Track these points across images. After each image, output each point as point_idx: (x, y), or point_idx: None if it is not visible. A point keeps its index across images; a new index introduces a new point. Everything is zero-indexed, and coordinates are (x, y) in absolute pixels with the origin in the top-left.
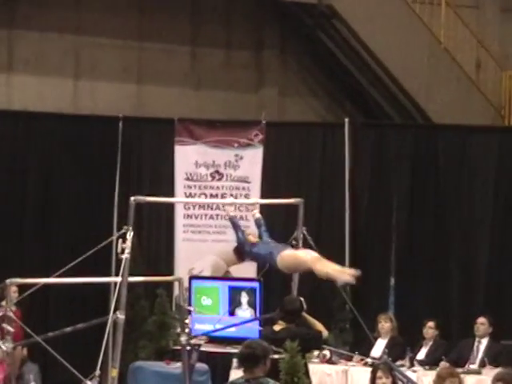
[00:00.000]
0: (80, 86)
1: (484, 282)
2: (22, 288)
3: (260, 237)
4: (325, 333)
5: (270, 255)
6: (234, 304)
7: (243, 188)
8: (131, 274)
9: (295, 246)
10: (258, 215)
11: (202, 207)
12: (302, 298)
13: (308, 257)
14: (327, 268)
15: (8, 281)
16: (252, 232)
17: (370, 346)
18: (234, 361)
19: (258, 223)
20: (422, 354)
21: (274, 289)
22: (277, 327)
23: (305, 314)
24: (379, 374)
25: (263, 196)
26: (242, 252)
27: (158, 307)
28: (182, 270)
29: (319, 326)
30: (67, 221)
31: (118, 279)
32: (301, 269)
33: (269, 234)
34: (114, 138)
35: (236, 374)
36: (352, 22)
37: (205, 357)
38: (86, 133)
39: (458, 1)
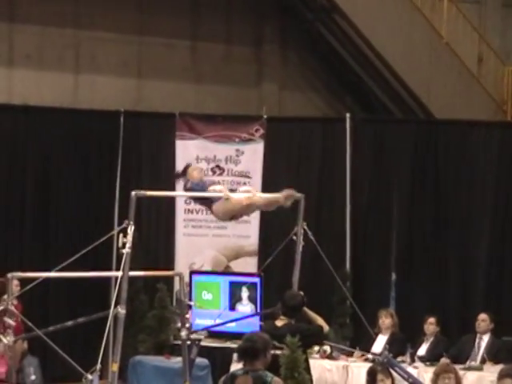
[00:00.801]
0: (80, 80)
1: (485, 278)
2: (23, 282)
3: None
4: (326, 328)
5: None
6: (234, 299)
7: (244, 183)
8: (132, 269)
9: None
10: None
11: None
12: (302, 293)
13: (245, 196)
14: (267, 198)
15: (9, 275)
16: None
17: (371, 341)
18: (235, 355)
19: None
20: (422, 350)
21: (274, 283)
22: (278, 322)
23: (306, 309)
24: (380, 376)
25: (264, 191)
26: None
27: (159, 302)
28: (182, 264)
29: (320, 321)
30: (68, 215)
31: (119, 273)
32: (236, 213)
33: None
34: (114, 133)
35: (236, 368)
36: (353, 16)
37: (205, 351)
38: (87, 127)
39: None
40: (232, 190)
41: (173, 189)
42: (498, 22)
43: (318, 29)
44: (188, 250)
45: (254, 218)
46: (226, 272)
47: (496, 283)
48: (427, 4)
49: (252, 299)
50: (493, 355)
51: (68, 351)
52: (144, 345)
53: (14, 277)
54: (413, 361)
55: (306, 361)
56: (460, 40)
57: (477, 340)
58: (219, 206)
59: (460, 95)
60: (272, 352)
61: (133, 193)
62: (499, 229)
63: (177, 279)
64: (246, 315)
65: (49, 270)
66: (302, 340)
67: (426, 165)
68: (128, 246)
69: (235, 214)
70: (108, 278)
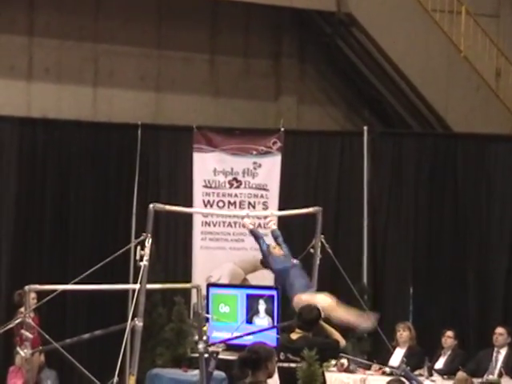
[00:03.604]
0: (99, 93)
1: (502, 291)
2: (40, 295)
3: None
4: (342, 342)
5: (291, 287)
6: (251, 312)
7: (261, 196)
8: (149, 282)
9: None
10: (273, 227)
11: (220, 215)
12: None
13: (325, 304)
14: (345, 316)
15: (27, 287)
16: (277, 245)
17: (388, 354)
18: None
19: (274, 235)
20: (440, 364)
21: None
22: (294, 336)
23: (322, 323)
24: None
25: (281, 204)
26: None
27: (176, 315)
28: (199, 277)
29: (336, 335)
30: (86, 228)
31: (137, 286)
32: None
33: (287, 245)
34: (132, 146)
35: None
36: (371, 31)
37: (222, 364)
38: (105, 140)
39: (478, 9)
40: (250, 204)
41: (190, 201)
42: None
43: (336, 42)
44: (205, 262)
45: None
46: (244, 285)
47: None
48: (445, 18)
49: (269, 312)
50: (510, 369)
51: (85, 364)
52: (162, 358)
53: (32, 289)
54: (430, 374)
55: (322, 374)
56: (478, 54)
57: (494, 354)
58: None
59: (478, 109)
60: (286, 365)
61: (151, 206)
62: None
63: (194, 292)
64: (263, 328)
65: (67, 282)
66: (317, 353)
67: (444, 178)
68: (145, 258)
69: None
70: (126, 291)
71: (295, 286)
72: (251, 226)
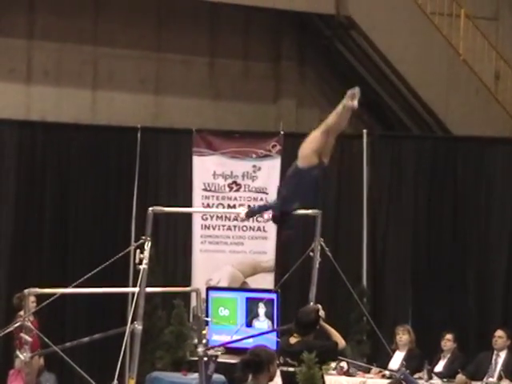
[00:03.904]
0: (98, 96)
1: (502, 294)
2: (39, 298)
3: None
4: (342, 344)
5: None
6: (251, 315)
7: (261, 199)
8: (148, 285)
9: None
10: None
11: (220, 218)
12: (319, 306)
13: (315, 132)
14: (331, 117)
15: (26, 291)
16: None
17: (388, 358)
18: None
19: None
20: (439, 367)
21: (291, 300)
22: (292, 339)
23: (323, 324)
24: None
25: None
26: (279, 215)
27: (176, 318)
28: (199, 280)
29: (337, 337)
30: (85, 231)
31: (136, 290)
32: (319, 147)
33: None
34: (131, 149)
35: None
36: (370, 34)
37: (222, 368)
38: (104, 143)
39: (477, 12)
40: (249, 207)
41: (190, 204)
42: None
43: (336, 45)
44: (205, 266)
45: (271, 233)
46: (243, 288)
47: None
48: (444, 21)
49: (269, 315)
50: (510, 372)
51: (85, 367)
52: (161, 361)
53: (31, 293)
54: (430, 377)
55: (322, 377)
56: (477, 57)
57: (494, 357)
58: (302, 159)
59: (477, 112)
60: (285, 369)
61: (150, 209)
62: None
63: (194, 295)
64: (262, 331)
65: (66, 285)
66: (316, 356)
67: (444, 181)
68: (145, 262)
69: (321, 150)
70: (125, 294)
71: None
72: (245, 210)
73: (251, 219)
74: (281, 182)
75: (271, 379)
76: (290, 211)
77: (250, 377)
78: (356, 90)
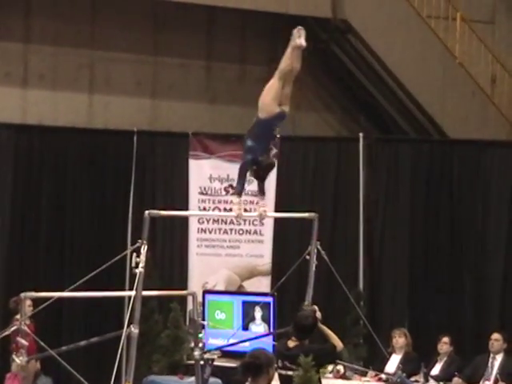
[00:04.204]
0: (94, 99)
1: (499, 297)
2: (36, 302)
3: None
4: (339, 346)
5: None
6: (247, 318)
7: (257, 202)
8: (145, 288)
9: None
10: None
11: (216, 221)
12: (315, 307)
13: (272, 81)
14: (282, 61)
15: (22, 295)
16: None
17: (385, 361)
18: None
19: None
20: (436, 370)
21: (287, 303)
22: (291, 343)
23: (321, 326)
24: None
25: (277, 210)
26: (258, 170)
27: (172, 321)
28: (195, 284)
29: (334, 339)
30: (81, 234)
31: (132, 293)
32: (277, 93)
33: None
34: (128, 152)
35: None
36: (367, 37)
37: (218, 371)
38: (101, 147)
39: (473, 16)
40: (245, 210)
41: (186, 208)
42: (511, 42)
43: (332, 49)
44: (201, 269)
45: (268, 237)
46: (240, 292)
47: (510, 303)
48: (441, 24)
49: (265, 319)
50: (506, 375)
51: (81, 371)
52: (158, 364)
53: (27, 297)
54: (426, 380)
55: (319, 381)
56: (473, 60)
57: (490, 360)
58: (262, 110)
59: (474, 115)
60: (284, 372)
61: (146, 212)
62: None
63: (190, 299)
64: (259, 335)
65: (62, 289)
66: (314, 360)
67: (441, 184)
68: (141, 265)
69: (280, 98)
70: (122, 298)
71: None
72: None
73: (247, 222)
74: (245, 136)
75: (269, 382)
76: (262, 159)
77: (250, 380)
78: (301, 28)
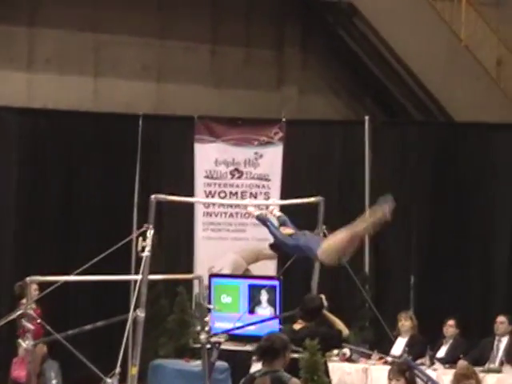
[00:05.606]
0: (100, 83)
1: (505, 280)
2: (42, 286)
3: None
4: (345, 331)
5: (309, 250)
6: (253, 302)
7: (263, 186)
8: (151, 272)
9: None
10: (278, 213)
11: (222, 205)
12: (322, 296)
13: (344, 234)
14: (362, 225)
15: (28, 279)
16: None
17: (391, 344)
18: (254, 357)
19: (281, 221)
20: (442, 353)
21: (293, 287)
22: (297, 326)
23: (326, 312)
24: (390, 375)
25: (283, 194)
26: (278, 246)
27: (178, 305)
28: (201, 268)
29: (340, 325)
30: (88, 219)
31: (139, 277)
32: (343, 250)
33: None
34: (134, 136)
35: (255, 368)
36: (373, 20)
37: (224, 355)
38: (106, 130)
39: None
40: (251, 194)
41: (192, 191)
42: None
43: (339, 32)
44: (207, 253)
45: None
46: (246, 275)
47: None
48: (446, 7)
49: (271, 302)
50: (511, 357)
51: (88, 355)
52: (164, 348)
53: (33, 281)
54: (432, 363)
55: (325, 364)
56: (479, 43)
57: (495, 342)
58: (324, 254)
59: (479, 98)
60: (290, 355)
61: (152, 196)
62: None
63: (196, 283)
64: (265, 318)
65: (68, 273)
66: (320, 343)
67: (447, 167)
68: (147, 249)
69: (343, 252)
70: (128, 282)
71: (312, 245)
72: (257, 212)
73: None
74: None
75: (285, 365)
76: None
77: (265, 363)
78: (390, 200)
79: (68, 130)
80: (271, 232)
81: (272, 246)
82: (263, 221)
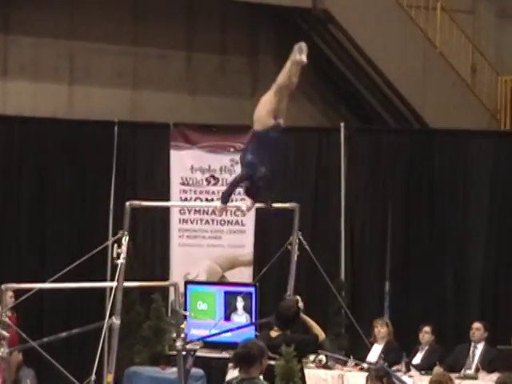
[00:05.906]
0: (75, 90)
1: (479, 286)
2: (17, 293)
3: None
4: (322, 336)
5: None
6: (229, 309)
7: (239, 193)
8: (126, 279)
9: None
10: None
11: (198, 212)
12: (298, 297)
13: (267, 93)
14: (281, 75)
15: (3, 286)
16: None
17: (366, 351)
18: (230, 364)
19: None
20: (417, 359)
21: (269, 293)
22: (273, 333)
23: (303, 316)
24: (368, 381)
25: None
26: (252, 187)
27: (154, 312)
28: (177, 274)
29: (317, 329)
30: (62, 226)
31: (114, 284)
32: (274, 108)
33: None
34: (109, 143)
35: (232, 375)
36: (347, 27)
37: (200, 362)
38: (81, 138)
39: (453, 6)
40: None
41: (167, 198)
42: (491, 32)
43: (313, 39)
44: (183, 260)
45: (249, 227)
46: (221, 282)
47: (490, 291)
48: (421, 14)
49: (247, 309)
50: (487, 364)
51: (63, 362)
52: (140, 355)
53: (8, 288)
54: (408, 370)
55: (301, 370)
56: (454, 50)
57: (471, 349)
58: (258, 122)
59: (454, 105)
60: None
61: (127, 203)
62: (494, 237)
63: (172, 289)
64: (241, 325)
65: (44, 280)
66: (296, 350)
67: (422, 174)
68: (122, 256)
69: (276, 111)
70: (103, 289)
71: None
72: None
73: (229, 212)
74: (242, 152)
75: (261, 372)
76: (259, 177)
77: (241, 370)
78: (302, 44)
79: (43, 137)
80: (238, 180)
81: (247, 190)
82: (228, 188)
